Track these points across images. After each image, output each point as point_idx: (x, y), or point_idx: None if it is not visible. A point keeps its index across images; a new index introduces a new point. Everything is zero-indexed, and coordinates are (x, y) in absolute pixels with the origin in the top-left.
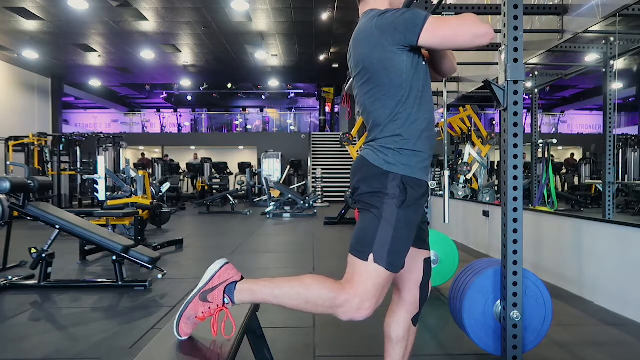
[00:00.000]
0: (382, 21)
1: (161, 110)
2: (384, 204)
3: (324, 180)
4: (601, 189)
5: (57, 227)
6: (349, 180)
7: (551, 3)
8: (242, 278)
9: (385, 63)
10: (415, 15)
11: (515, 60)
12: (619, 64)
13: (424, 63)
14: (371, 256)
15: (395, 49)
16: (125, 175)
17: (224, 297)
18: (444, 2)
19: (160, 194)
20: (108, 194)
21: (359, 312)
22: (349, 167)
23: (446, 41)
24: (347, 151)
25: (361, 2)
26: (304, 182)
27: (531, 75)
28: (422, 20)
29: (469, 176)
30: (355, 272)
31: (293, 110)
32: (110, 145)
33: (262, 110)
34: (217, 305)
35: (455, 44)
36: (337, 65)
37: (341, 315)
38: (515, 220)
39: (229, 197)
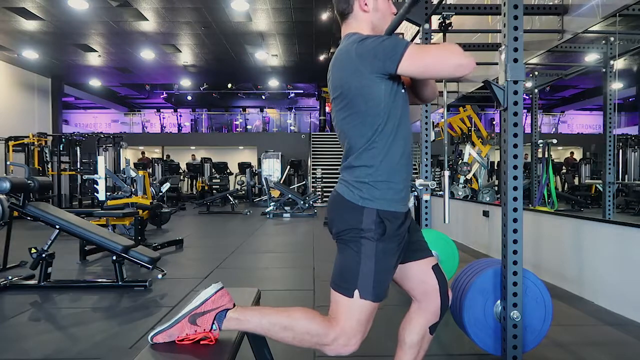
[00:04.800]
0: (362, 48)
1: (161, 110)
2: (361, 238)
3: (324, 180)
4: (601, 189)
5: (57, 227)
6: None
7: (551, 3)
8: (234, 306)
9: (364, 90)
10: (396, 43)
11: (515, 60)
12: (619, 64)
13: (402, 91)
14: (356, 292)
15: (374, 77)
16: (125, 175)
17: (213, 323)
18: (443, 2)
19: (160, 194)
20: (108, 194)
21: (346, 348)
22: None
23: (426, 70)
24: None
25: (343, 24)
26: (304, 182)
27: (531, 75)
28: (402, 49)
29: (469, 176)
30: (340, 310)
31: (293, 110)
32: (110, 145)
33: (262, 110)
34: (204, 330)
35: (434, 73)
36: None
37: (328, 352)
38: (515, 220)
39: (229, 197)
